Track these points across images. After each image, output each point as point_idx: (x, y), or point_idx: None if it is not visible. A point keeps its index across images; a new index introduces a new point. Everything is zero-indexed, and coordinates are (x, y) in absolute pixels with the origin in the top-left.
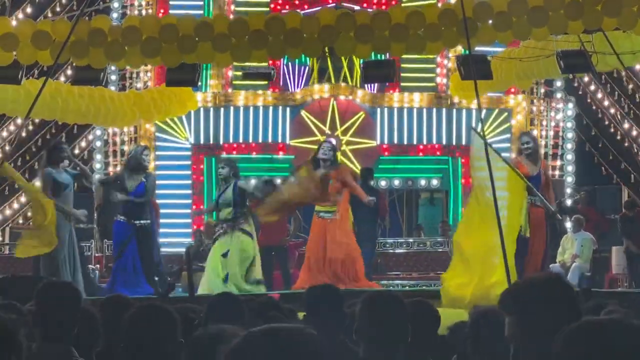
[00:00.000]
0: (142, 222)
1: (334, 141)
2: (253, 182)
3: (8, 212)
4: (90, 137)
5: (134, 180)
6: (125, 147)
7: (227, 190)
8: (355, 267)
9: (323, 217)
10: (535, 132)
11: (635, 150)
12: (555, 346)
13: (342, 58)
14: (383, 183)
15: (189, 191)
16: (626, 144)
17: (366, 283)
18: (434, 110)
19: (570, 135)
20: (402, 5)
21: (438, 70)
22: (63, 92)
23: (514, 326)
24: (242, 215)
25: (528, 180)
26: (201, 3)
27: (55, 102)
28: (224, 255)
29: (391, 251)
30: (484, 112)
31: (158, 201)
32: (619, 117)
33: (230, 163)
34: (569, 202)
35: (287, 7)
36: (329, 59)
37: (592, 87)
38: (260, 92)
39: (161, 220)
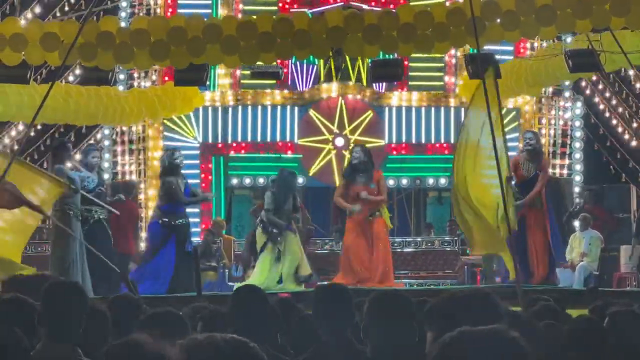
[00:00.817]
0: (181, 221)
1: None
2: (262, 181)
3: None
4: (99, 136)
5: (182, 185)
6: (134, 146)
7: (288, 202)
8: (390, 266)
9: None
10: (543, 131)
11: None
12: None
13: (349, 57)
14: (391, 182)
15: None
16: (634, 143)
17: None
18: (442, 108)
19: (578, 134)
20: (410, 4)
21: (446, 68)
22: (73, 94)
23: (435, 341)
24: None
25: (522, 183)
26: (209, 2)
27: (67, 105)
28: (277, 258)
29: (399, 250)
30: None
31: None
32: (627, 116)
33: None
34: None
35: (295, 5)
36: (339, 58)
37: (600, 86)
38: (268, 91)
39: None
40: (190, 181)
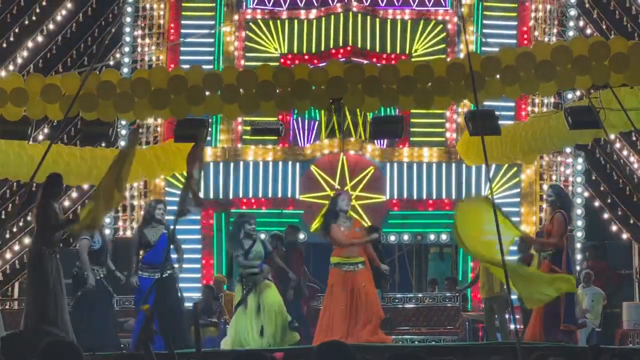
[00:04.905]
0: (164, 274)
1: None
2: (263, 236)
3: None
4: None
5: (155, 233)
6: (135, 202)
7: (257, 244)
8: (377, 317)
9: (349, 270)
10: (544, 187)
11: None
12: None
13: (355, 112)
14: (392, 238)
15: (199, 246)
16: (635, 200)
17: (383, 337)
18: (444, 165)
19: (579, 190)
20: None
21: (447, 125)
22: (65, 156)
23: None
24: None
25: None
26: (211, 58)
27: (57, 166)
28: (257, 311)
29: (400, 306)
30: (493, 167)
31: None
32: (628, 172)
33: (254, 218)
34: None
35: (296, 61)
36: (340, 113)
37: (601, 143)
38: (269, 147)
39: None
40: (190, 237)
